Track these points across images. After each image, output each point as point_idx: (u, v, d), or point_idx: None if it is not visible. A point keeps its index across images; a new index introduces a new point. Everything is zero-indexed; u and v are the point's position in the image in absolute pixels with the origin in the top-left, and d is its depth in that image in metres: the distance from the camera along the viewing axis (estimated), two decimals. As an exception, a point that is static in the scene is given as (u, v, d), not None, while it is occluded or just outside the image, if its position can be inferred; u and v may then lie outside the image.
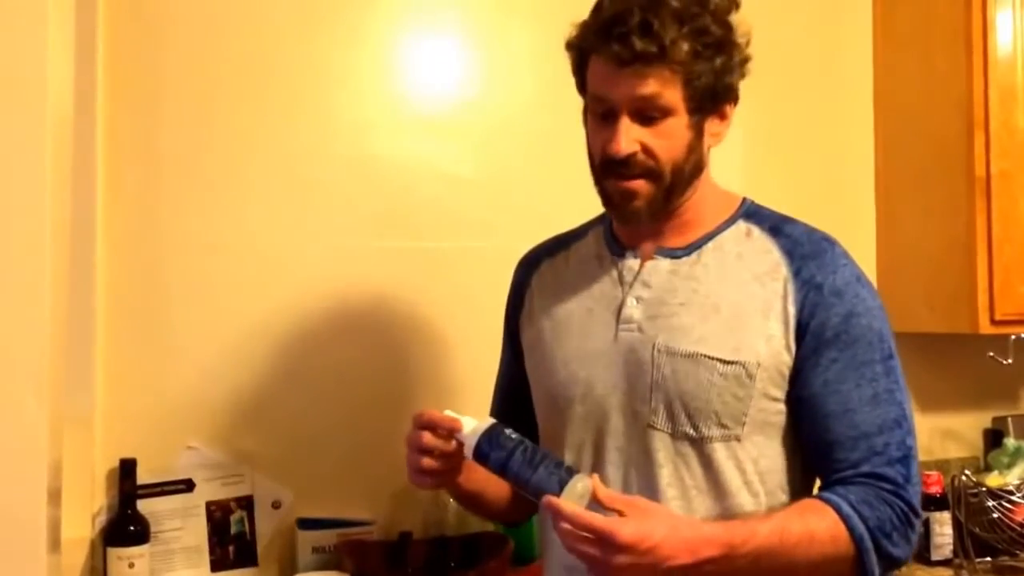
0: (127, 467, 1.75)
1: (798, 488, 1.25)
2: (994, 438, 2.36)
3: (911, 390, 1.24)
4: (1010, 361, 2.26)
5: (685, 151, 1.21)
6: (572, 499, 1.09)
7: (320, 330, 1.93)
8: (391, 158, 2.00)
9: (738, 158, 2.13)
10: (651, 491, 1.21)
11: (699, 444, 1.20)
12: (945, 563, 2.11)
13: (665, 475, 1.21)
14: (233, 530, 1.86)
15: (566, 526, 1.06)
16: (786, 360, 1.20)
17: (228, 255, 1.89)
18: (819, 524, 1.14)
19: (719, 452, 1.20)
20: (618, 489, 1.22)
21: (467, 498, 1.38)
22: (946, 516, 2.12)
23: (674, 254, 1.27)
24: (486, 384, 1.52)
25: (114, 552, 1.72)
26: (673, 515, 1.16)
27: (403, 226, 2.00)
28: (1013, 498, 2.05)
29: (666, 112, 1.19)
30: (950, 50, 2.18)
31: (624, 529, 1.05)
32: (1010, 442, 2.23)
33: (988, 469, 2.23)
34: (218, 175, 1.89)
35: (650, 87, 1.17)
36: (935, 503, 2.11)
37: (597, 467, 1.25)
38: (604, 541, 1.04)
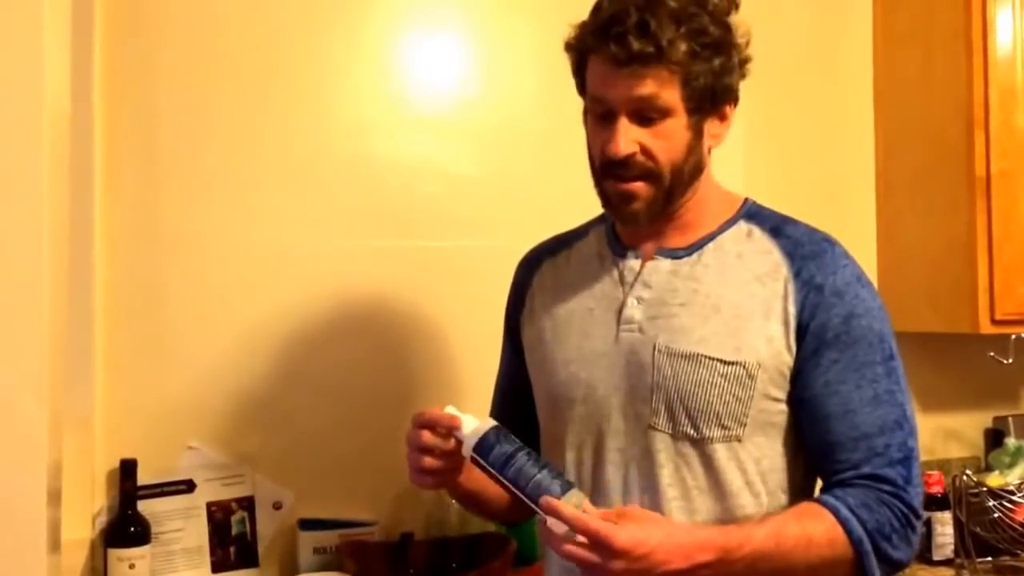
0: (127, 468, 1.75)
1: (799, 488, 1.25)
2: (995, 438, 2.36)
3: (912, 390, 1.24)
4: (1011, 361, 2.27)
5: (684, 152, 1.21)
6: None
7: (320, 330, 1.93)
8: (391, 157, 2.00)
9: (738, 158, 2.13)
10: (652, 491, 1.21)
11: (700, 444, 1.20)
12: (946, 563, 2.11)
13: (666, 475, 1.21)
14: (234, 531, 1.86)
15: (559, 532, 1.07)
16: (787, 361, 1.20)
17: (228, 254, 1.89)
18: (816, 528, 1.14)
19: (720, 452, 1.20)
20: (618, 489, 1.22)
21: (467, 497, 1.38)
22: (947, 516, 2.12)
23: (675, 254, 1.27)
24: (487, 383, 1.52)
25: (115, 553, 1.72)
26: (668, 521, 1.16)
27: (403, 225, 2.00)
28: (1014, 498, 2.05)
29: (664, 113, 1.18)
30: (950, 50, 2.18)
31: (620, 534, 1.05)
32: (1011, 442, 2.23)
33: (989, 469, 2.22)
34: (217, 174, 1.89)
35: (648, 88, 1.17)
36: (936, 503, 2.11)
37: (597, 467, 1.25)
38: (600, 546, 1.05)
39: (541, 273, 1.40)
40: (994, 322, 2.12)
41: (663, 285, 1.25)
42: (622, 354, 1.24)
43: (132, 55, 1.84)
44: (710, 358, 1.19)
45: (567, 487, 1.12)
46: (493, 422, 1.18)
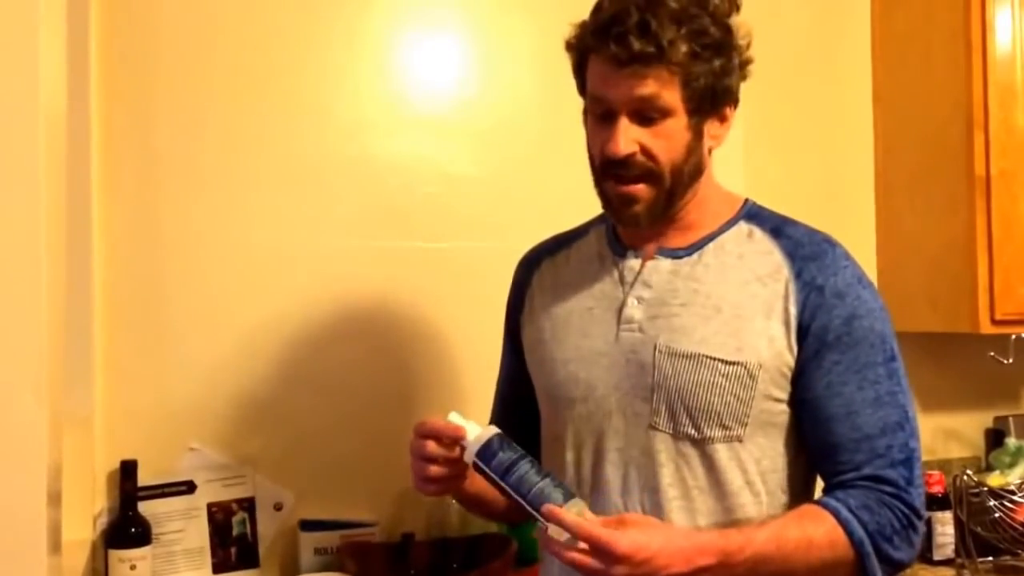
0: (128, 469, 1.75)
1: (800, 488, 1.25)
2: (995, 438, 2.36)
3: (912, 390, 1.24)
4: (1011, 361, 2.26)
5: (684, 152, 1.21)
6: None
7: (320, 330, 1.93)
8: (390, 157, 2.00)
9: (738, 158, 2.13)
10: (652, 491, 1.21)
11: (701, 445, 1.20)
12: (947, 563, 2.11)
13: (667, 475, 1.21)
14: (235, 532, 1.86)
15: (561, 539, 1.08)
16: (788, 361, 1.20)
17: (227, 255, 1.89)
18: (817, 530, 1.15)
19: (721, 452, 1.20)
20: (618, 488, 1.23)
21: (470, 500, 1.38)
22: (948, 516, 2.12)
23: (675, 254, 1.27)
24: (487, 384, 1.52)
25: (115, 554, 1.72)
26: (669, 526, 1.16)
27: (403, 226, 1.99)
28: (1014, 498, 2.05)
29: (665, 113, 1.18)
30: (949, 50, 2.18)
31: (622, 540, 1.06)
32: (1011, 442, 2.23)
33: (990, 469, 2.22)
34: (216, 174, 1.89)
35: (648, 88, 1.17)
36: (937, 503, 2.11)
37: (597, 467, 1.25)
38: (602, 552, 1.05)
39: (541, 273, 1.40)
40: (994, 322, 2.12)
41: (663, 285, 1.25)
42: (622, 354, 1.24)
43: (129, 55, 1.84)
44: (711, 358, 1.19)
45: (568, 496, 1.12)
46: (495, 429, 1.18)
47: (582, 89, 1.26)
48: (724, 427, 1.19)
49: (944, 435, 2.41)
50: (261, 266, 1.91)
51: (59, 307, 1.31)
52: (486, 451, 1.16)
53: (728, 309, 1.21)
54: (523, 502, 1.13)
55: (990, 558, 2.09)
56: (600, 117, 1.22)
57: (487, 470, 1.16)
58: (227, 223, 1.89)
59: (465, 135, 2.05)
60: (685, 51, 1.16)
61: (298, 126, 1.94)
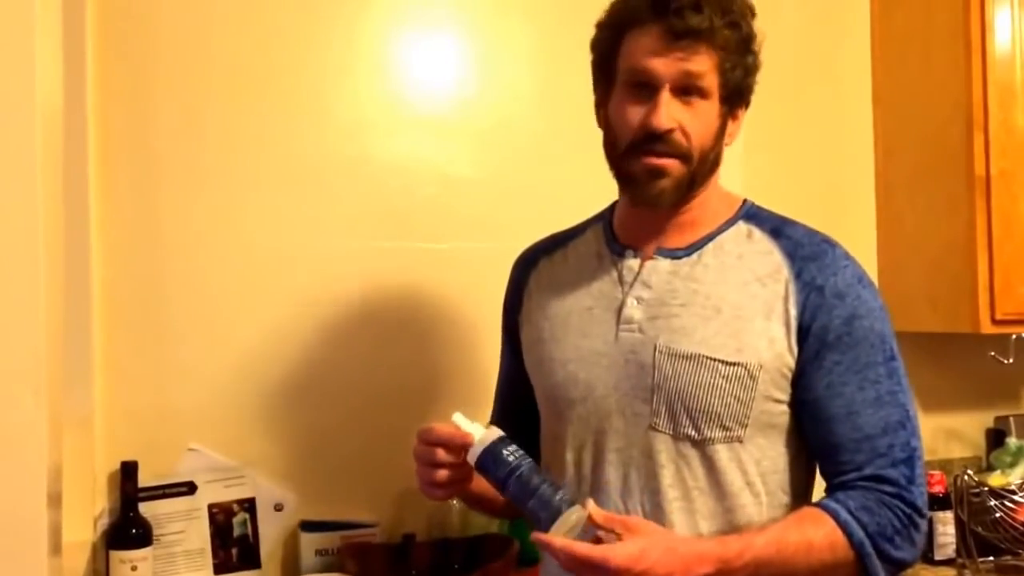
0: (128, 470, 1.75)
1: (800, 488, 1.25)
2: (996, 438, 2.36)
3: (912, 390, 1.24)
4: (1011, 361, 2.26)
5: (713, 139, 1.22)
6: (564, 529, 1.11)
7: (320, 331, 1.93)
8: (389, 158, 1.99)
9: (738, 158, 2.12)
10: (653, 492, 1.21)
11: (701, 445, 1.20)
12: (948, 563, 2.11)
13: (667, 476, 1.21)
14: (236, 533, 1.86)
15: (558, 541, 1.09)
16: (788, 362, 1.20)
17: (226, 255, 1.89)
18: (816, 533, 1.15)
19: (721, 453, 1.20)
20: (618, 489, 1.23)
21: (474, 499, 1.38)
22: (949, 516, 2.12)
23: (674, 254, 1.27)
24: (487, 384, 1.52)
25: (116, 555, 1.72)
26: (668, 534, 1.16)
27: (401, 226, 1.99)
28: (1015, 497, 2.05)
29: (704, 94, 1.20)
30: (949, 50, 2.18)
31: (617, 554, 1.06)
32: (1012, 442, 2.23)
33: (990, 469, 2.22)
34: (214, 175, 1.89)
35: (697, 64, 1.18)
36: (938, 503, 2.11)
37: (597, 467, 1.25)
38: (599, 569, 1.06)
39: (538, 272, 1.40)
40: (994, 322, 2.12)
41: (663, 285, 1.25)
42: (622, 354, 1.24)
43: (126, 54, 1.84)
44: (712, 359, 1.19)
45: (569, 503, 1.12)
46: (499, 432, 1.18)
47: (608, 70, 1.26)
48: (724, 428, 1.19)
49: (945, 435, 2.41)
50: (260, 266, 1.90)
51: (58, 307, 1.31)
52: (488, 455, 1.16)
53: (728, 310, 1.21)
54: (523, 508, 1.14)
55: (991, 558, 2.09)
56: (637, 93, 1.21)
57: (488, 474, 1.17)
58: (226, 223, 1.89)
59: (464, 136, 2.05)
60: (727, 37, 1.19)
61: (297, 126, 1.94)
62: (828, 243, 1.25)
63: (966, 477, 2.08)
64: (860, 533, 1.15)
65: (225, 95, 1.90)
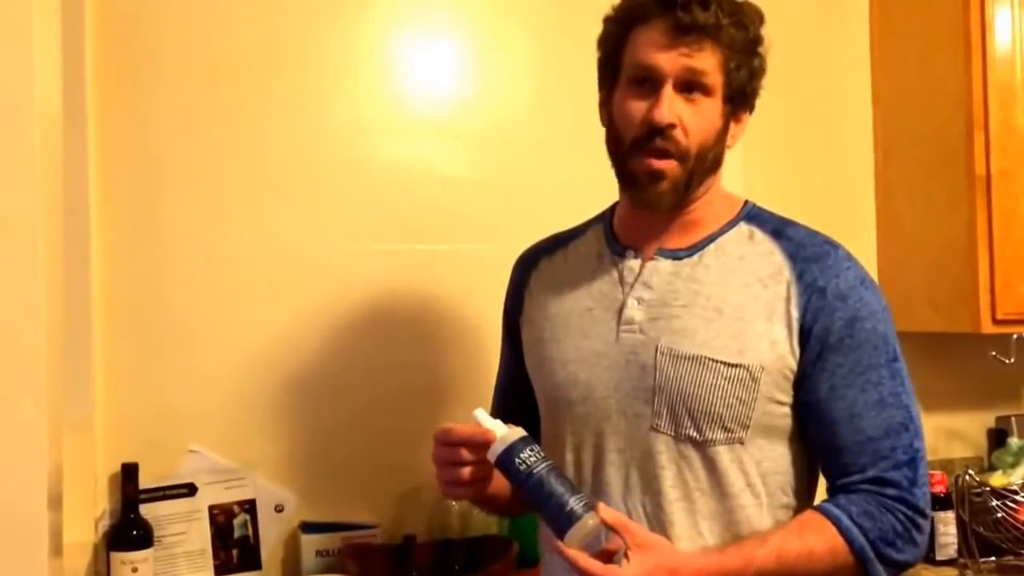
0: (129, 471, 1.75)
1: (802, 489, 1.25)
2: (998, 438, 2.36)
3: (914, 390, 1.24)
4: (1012, 360, 2.26)
5: (713, 138, 1.22)
6: (581, 535, 1.11)
7: (320, 332, 1.93)
8: (388, 160, 1.99)
9: (738, 158, 2.12)
10: (654, 493, 1.21)
11: (702, 447, 1.20)
12: (950, 563, 2.11)
13: (668, 477, 1.21)
14: (236, 534, 1.86)
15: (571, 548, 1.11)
16: (790, 364, 1.20)
17: (226, 258, 1.89)
18: (818, 540, 1.16)
19: (722, 455, 1.20)
20: (619, 490, 1.23)
21: (487, 499, 1.35)
22: (950, 516, 2.12)
23: (675, 255, 1.27)
24: (487, 385, 1.52)
25: (117, 557, 1.72)
26: (671, 549, 1.16)
27: (401, 228, 1.99)
28: (1017, 497, 2.05)
29: (707, 91, 1.20)
30: (949, 49, 2.18)
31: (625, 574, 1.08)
32: (1014, 441, 2.22)
33: (992, 469, 2.22)
34: (213, 176, 1.89)
35: (702, 61, 1.18)
36: (939, 503, 2.11)
37: (597, 468, 1.25)
38: None
39: (539, 272, 1.40)
40: (995, 322, 2.11)
41: (664, 286, 1.25)
42: (622, 355, 1.24)
43: (125, 55, 1.84)
44: (713, 360, 1.19)
45: (588, 508, 1.12)
46: (521, 432, 1.18)
47: (613, 66, 1.26)
48: (726, 430, 1.19)
49: (946, 435, 2.41)
50: (260, 268, 1.90)
51: (57, 310, 1.31)
52: (508, 454, 1.16)
53: (730, 311, 1.21)
54: (539, 511, 1.15)
55: (992, 558, 2.09)
56: (640, 89, 1.21)
57: (508, 473, 1.16)
58: (225, 225, 1.89)
59: (463, 137, 2.05)
60: (734, 36, 1.19)
61: (297, 128, 1.94)
62: (830, 244, 1.24)
63: (967, 477, 2.08)
64: (861, 540, 1.15)
65: (225, 96, 1.90)
